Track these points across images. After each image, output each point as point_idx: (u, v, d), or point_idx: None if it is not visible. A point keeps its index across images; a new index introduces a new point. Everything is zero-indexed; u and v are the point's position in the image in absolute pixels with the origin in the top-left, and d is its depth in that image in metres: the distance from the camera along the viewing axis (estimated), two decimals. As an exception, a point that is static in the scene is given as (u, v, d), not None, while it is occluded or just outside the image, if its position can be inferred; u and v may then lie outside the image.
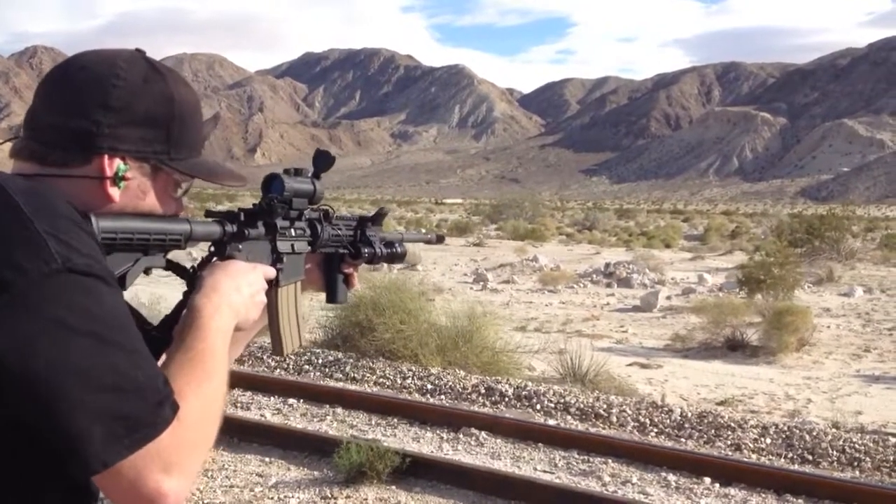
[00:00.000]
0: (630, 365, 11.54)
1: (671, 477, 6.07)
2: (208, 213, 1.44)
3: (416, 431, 7.15)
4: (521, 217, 49.44)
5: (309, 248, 1.67)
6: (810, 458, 6.71)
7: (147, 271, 1.29)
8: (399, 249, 1.94)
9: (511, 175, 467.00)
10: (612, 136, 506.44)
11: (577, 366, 9.35)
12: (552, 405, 7.91)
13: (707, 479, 6.00)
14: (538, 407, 7.92)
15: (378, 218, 1.90)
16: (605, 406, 7.76)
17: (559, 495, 5.50)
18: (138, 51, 1.31)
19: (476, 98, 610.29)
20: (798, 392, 10.33)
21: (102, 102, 1.22)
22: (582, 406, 7.82)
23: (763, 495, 5.78)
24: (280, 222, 1.53)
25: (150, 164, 1.28)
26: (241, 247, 1.43)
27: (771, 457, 6.78)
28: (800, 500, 5.68)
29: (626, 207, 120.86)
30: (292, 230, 1.59)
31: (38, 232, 1.06)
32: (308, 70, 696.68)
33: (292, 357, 9.19)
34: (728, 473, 6.06)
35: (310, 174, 1.60)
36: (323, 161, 1.61)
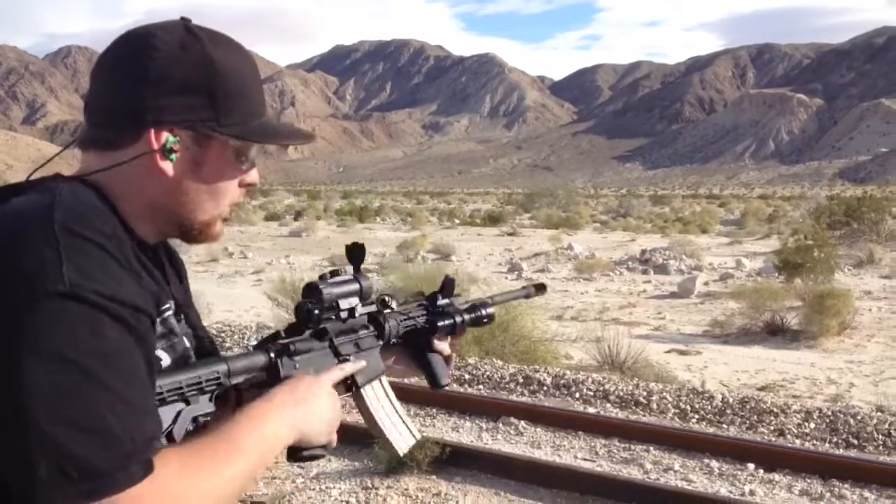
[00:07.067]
0: (668, 352, 11.46)
1: (714, 463, 6.01)
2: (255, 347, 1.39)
3: (455, 421, 7.15)
4: (554, 206, 49.15)
5: (379, 341, 1.60)
6: (855, 442, 6.61)
7: (196, 420, 1.21)
8: (484, 312, 1.86)
9: (544, 163, 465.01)
10: (645, 121, 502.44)
11: (616, 353, 9.30)
12: (591, 393, 7.87)
13: (751, 466, 5.94)
14: (577, 395, 7.88)
15: (446, 289, 1.81)
16: (644, 393, 7.71)
17: (601, 484, 5.45)
18: (183, 19, 1.25)
19: (507, 87, 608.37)
20: (840, 376, 10.20)
21: (142, 76, 1.18)
22: (621, 394, 7.77)
23: (808, 480, 5.70)
24: (331, 325, 1.48)
25: (199, 133, 1.22)
26: (297, 364, 1.38)
27: (815, 442, 6.69)
28: (846, 485, 5.60)
29: (661, 193, 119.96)
30: (350, 330, 1.53)
31: (58, 251, 1.02)
32: (338, 63, 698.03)
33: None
34: (772, 459, 5.98)
35: (350, 272, 1.54)
36: (357, 255, 1.56)
